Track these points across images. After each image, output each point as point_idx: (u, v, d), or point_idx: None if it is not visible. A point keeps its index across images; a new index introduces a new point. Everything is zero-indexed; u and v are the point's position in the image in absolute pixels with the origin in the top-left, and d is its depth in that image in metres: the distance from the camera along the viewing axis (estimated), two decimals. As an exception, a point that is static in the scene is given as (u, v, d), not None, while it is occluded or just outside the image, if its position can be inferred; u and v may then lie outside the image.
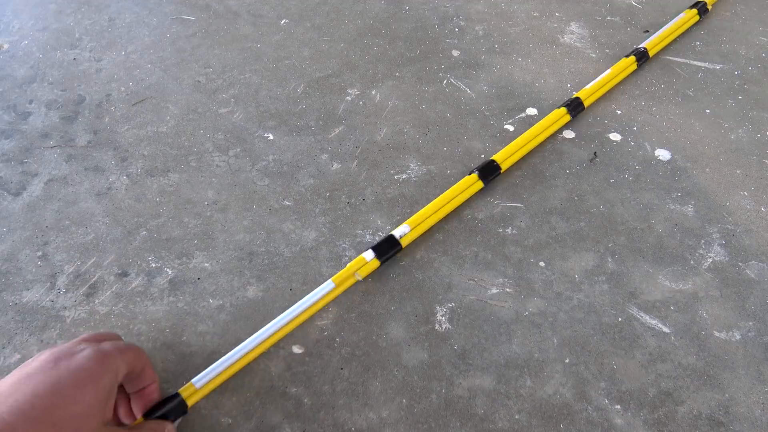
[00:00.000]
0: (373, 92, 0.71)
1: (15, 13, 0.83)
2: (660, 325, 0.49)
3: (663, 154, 0.64)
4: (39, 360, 0.34)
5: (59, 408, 0.31)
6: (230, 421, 0.43)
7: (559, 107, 0.66)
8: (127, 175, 0.61)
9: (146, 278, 0.52)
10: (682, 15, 0.80)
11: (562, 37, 0.80)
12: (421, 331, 0.49)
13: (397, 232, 0.52)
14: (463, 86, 0.72)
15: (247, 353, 0.46)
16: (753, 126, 0.67)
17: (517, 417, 0.44)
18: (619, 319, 0.50)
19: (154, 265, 0.53)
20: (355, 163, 0.62)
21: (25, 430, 0.30)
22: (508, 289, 0.51)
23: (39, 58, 0.75)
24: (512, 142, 0.60)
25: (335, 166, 0.62)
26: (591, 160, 0.63)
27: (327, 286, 0.50)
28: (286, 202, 0.58)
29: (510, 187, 0.60)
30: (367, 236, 0.55)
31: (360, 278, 0.50)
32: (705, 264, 0.54)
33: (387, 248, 0.52)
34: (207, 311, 0.50)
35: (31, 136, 0.65)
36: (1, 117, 0.67)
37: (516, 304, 0.50)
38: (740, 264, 0.54)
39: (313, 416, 0.43)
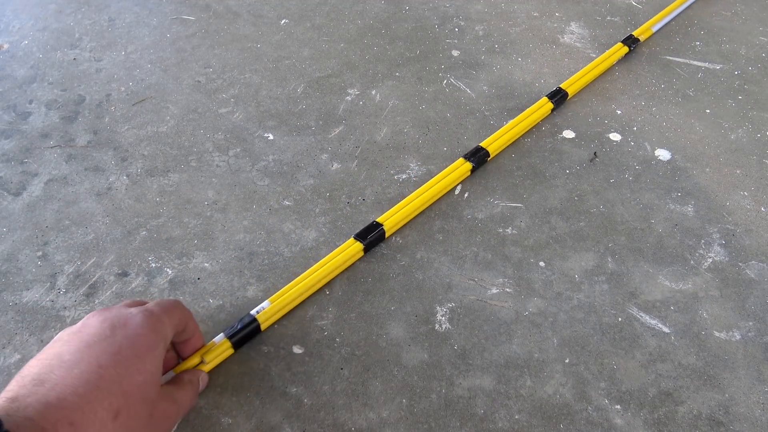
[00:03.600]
0: (373, 92, 0.71)
1: (15, 13, 0.83)
2: (660, 325, 0.49)
3: (663, 154, 0.64)
4: (94, 326, 0.34)
5: (125, 378, 0.32)
6: (230, 421, 0.43)
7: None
8: (127, 175, 0.61)
9: (146, 278, 0.52)
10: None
11: (562, 37, 0.80)
12: (421, 331, 0.49)
13: (255, 310, 0.46)
14: (463, 86, 0.72)
15: None
16: (753, 126, 0.67)
17: (517, 417, 0.44)
18: (619, 319, 0.50)
19: (154, 265, 0.53)
20: (355, 163, 0.62)
21: (99, 401, 0.30)
22: (508, 289, 0.51)
23: (39, 58, 0.75)
24: (403, 202, 0.56)
25: (335, 166, 0.62)
26: (591, 160, 0.63)
27: (166, 377, 0.43)
28: (286, 202, 0.58)
29: (510, 187, 0.60)
30: (367, 236, 0.55)
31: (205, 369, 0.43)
32: (705, 264, 0.54)
33: (242, 330, 0.44)
34: (207, 311, 0.50)
35: (31, 136, 0.65)
36: (1, 117, 0.67)
37: (516, 304, 0.50)
38: (740, 264, 0.54)
39: (313, 416, 0.43)
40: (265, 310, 0.46)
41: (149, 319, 0.36)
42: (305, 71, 0.73)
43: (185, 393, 0.39)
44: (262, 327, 0.46)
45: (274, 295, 0.48)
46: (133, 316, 0.35)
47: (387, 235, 0.54)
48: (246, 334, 0.45)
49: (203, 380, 0.43)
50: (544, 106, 0.66)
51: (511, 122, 0.64)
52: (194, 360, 0.43)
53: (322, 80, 0.72)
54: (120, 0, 0.86)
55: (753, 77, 0.74)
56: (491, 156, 0.61)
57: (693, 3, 0.85)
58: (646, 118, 0.68)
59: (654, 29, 0.78)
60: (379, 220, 0.53)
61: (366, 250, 0.52)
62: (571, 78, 0.70)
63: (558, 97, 0.67)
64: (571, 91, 0.69)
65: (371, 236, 0.52)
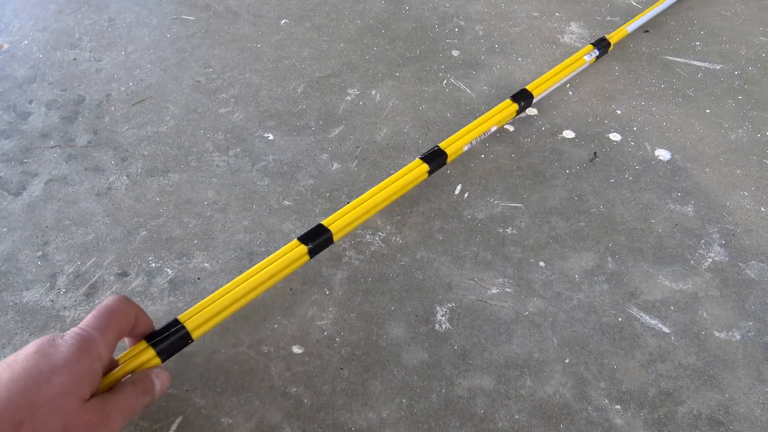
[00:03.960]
0: (373, 92, 0.71)
1: (15, 13, 0.83)
2: (660, 325, 0.49)
3: (663, 154, 0.64)
4: (23, 350, 0.36)
5: (34, 389, 0.33)
6: (230, 421, 0.43)
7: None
8: (127, 175, 0.61)
9: (146, 278, 0.52)
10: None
11: (562, 37, 0.80)
12: (421, 331, 0.49)
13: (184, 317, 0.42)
14: (463, 86, 0.72)
15: None
16: (753, 126, 0.67)
17: (517, 417, 0.44)
18: (619, 319, 0.50)
19: (154, 265, 0.53)
20: (355, 163, 0.62)
21: (3, 411, 0.31)
22: (508, 289, 0.51)
23: (39, 58, 0.75)
24: (353, 203, 0.51)
25: (335, 166, 0.62)
26: (591, 160, 0.63)
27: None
28: (286, 202, 0.58)
29: (510, 187, 0.60)
30: (367, 236, 0.55)
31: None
32: (705, 264, 0.54)
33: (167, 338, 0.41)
34: (207, 311, 0.50)
35: (31, 136, 0.65)
36: (1, 117, 0.67)
37: (516, 304, 0.50)
38: (740, 264, 0.54)
39: (313, 416, 0.43)
40: (188, 311, 0.42)
41: (79, 341, 0.36)
42: (305, 71, 0.73)
43: (121, 398, 0.38)
44: (193, 334, 0.42)
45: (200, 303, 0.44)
46: (63, 339, 0.36)
47: (335, 239, 0.50)
48: (165, 334, 0.41)
49: (160, 379, 0.40)
50: (509, 107, 0.63)
51: (471, 124, 0.60)
52: (119, 371, 0.40)
53: (322, 80, 0.72)
54: (120, 0, 0.86)
55: (753, 77, 0.74)
56: (450, 158, 0.58)
57: (672, 5, 0.85)
58: (646, 118, 0.68)
59: (629, 30, 0.76)
60: (325, 223, 0.49)
61: (311, 253, 0.48)
62: (538, 79, 0.67)
63: (523, 99, 0.63)
64: (536, 93, 0.65)
65: (317, 240, 0.48)
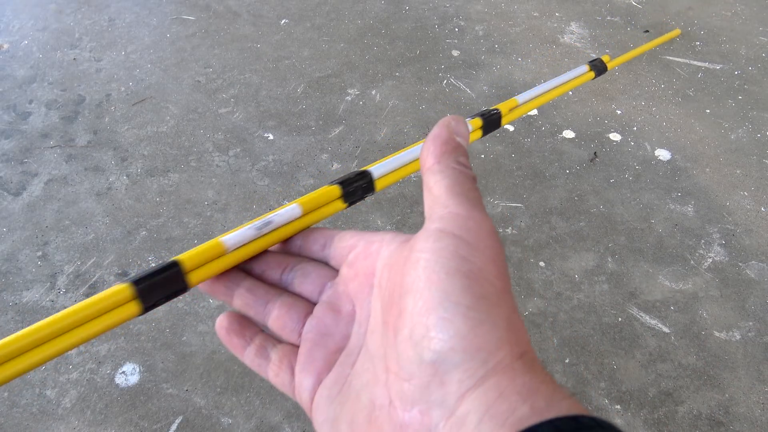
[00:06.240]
0: (373, 92, 0.71)
1: (15, 13, 0.83)
2: (660, 325, 0.49)
3: (663, 154, 0.64)
4: None
5: None
6: (230, 421, 0.43)
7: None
8: (127, 175, 0.61)
9: (146, 278, 0.52)
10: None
11: (562, 37, 0.80)
12: (421, 331, 0.48)
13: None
14: (463, 86, 0.72)
15: None
16: (753, 126, 0.67)
17: (517, 417, 0.44)
18: (619, 319, 0.50)
19: (154, 265, 0.53)
20: (355, 163, 0.62)
21: None
22: (508, 289, 0.51)
23: (39, 58, 0.75)
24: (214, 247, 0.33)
25: (335, 166, 0.62)
26: (591, 160, 0.63)
27: None
28: (286, 202, 0.58)
29: (510, 187, 0.60)
30: (367, 236, 0.55)
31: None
32: (705, 264, 0.54)
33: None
34: (207, 311, 0.50)
35: (31, 136, 0.65)
36: (1, 117, 0.67)
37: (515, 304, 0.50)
38: (740, 264, 0.54)
39: (313, 416, 0.43)
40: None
41: None
42: (305, 71, 0.73)
43: None
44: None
45: None
46: None
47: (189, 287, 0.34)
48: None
49: None
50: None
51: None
52: None
53: (322, 80, 0.72)
54: (120, 0, 0.86)
55: (753, 77, 0.74)
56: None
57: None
58: (646, 118, 0.68)
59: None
60: (179, 259, 0.34)
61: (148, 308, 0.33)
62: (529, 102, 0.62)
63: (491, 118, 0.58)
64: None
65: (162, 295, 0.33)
